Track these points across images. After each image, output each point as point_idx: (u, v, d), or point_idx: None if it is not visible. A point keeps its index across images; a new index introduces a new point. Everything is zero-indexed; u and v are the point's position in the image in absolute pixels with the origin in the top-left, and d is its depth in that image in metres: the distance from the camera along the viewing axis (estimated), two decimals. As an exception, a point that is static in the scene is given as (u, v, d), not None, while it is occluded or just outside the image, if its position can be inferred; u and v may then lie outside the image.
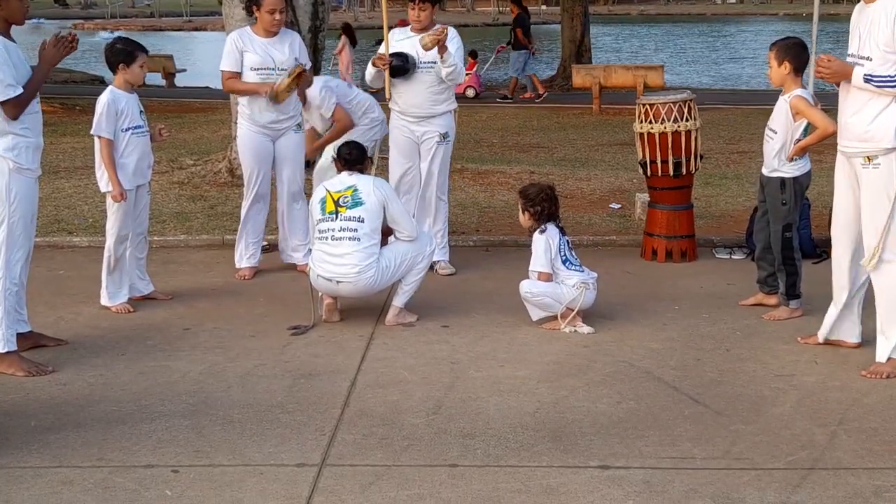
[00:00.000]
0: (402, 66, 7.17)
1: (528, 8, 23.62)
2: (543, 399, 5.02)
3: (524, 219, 6.35)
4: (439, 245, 7.38)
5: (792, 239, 6.37)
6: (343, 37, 20.49)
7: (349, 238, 6.05)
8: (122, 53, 6.41)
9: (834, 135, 5.62)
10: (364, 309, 6.46)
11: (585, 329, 6.06)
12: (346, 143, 6.54)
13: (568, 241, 6.29)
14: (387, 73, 7.19)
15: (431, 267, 7.21)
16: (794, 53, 6.22)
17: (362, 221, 6.06)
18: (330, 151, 7.51)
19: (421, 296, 6.43)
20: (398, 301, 6.27)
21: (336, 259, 6.05)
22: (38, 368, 5.36)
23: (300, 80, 7.12)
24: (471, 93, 21.22)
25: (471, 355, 5.68)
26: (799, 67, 6.25)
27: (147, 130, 6.53)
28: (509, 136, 15.29)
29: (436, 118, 7.35)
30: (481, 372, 5.42)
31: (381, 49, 7.26)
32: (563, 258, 6.16)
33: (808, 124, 6.21)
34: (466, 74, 21.80)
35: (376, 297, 6.45)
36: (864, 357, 5.51)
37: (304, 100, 7.58)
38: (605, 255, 7.94)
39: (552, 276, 6.14)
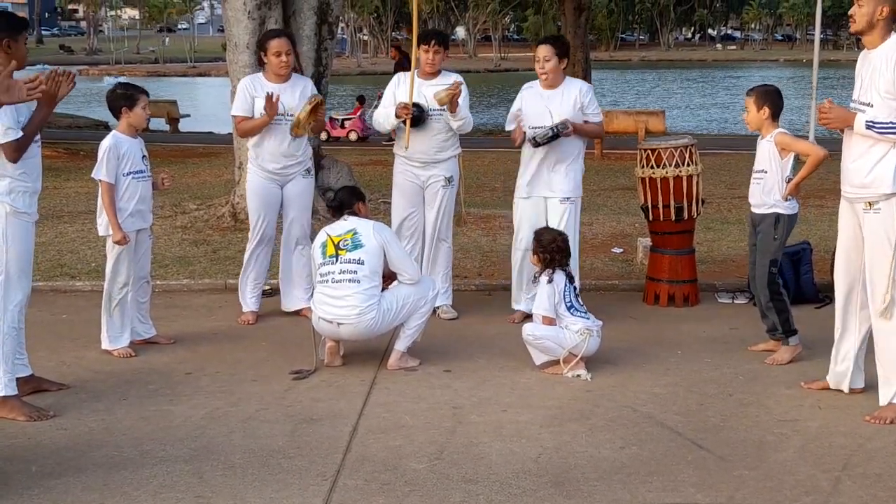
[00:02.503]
0: (421, 117, 7.20)
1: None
2: (546, 444, 5.00)
3: (533, 260, 6.38)
4: (442, 290, 7.38)
5: (777, 275, 6.42)
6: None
7: (349, 280, 6.06)
8: (124, 98, 6.46)
9: (826, 159, 5.68)
10: (366, 353, 6.45)
11: (587, 375, 6.05)
12: (336, 192, 6.57)
13: (575, 289, 6.30)
14: (408, 124, 7.22)
15: (434, 311, 7.20)
16: (773, 99, 6.41)
17: (362, 263, 6.07)
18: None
19: (423, 340, 6.42)
20: (400, 345, 6.26)
21: (337, 301, 6.05)
22: (40, 413, 5.34)
23: (317, 112, 7.13)
24: (353, 136, 21.82)
25: (473, 400, 5.67)
26: (776, 113, 6.43)
27: (149, 175, 6.55)
28: (511, 180, 15.11)
29: (441, 163, 7.39)
30: (483, 417, 5.40)
31: (395, 90, 7.27)
32: (569, 304, 6.17)
33: (795, 163, 6.31)
34: (349, 119, 22.96)
35: (378, 341, 6.44)
36: (867, 402, 5.49)
37: (318, 131, 7.55)
38: (608, 299, 7.94)
39: (555, 321, 6.14)
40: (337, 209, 6.35)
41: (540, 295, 6.21)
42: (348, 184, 11.40)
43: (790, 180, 6.29)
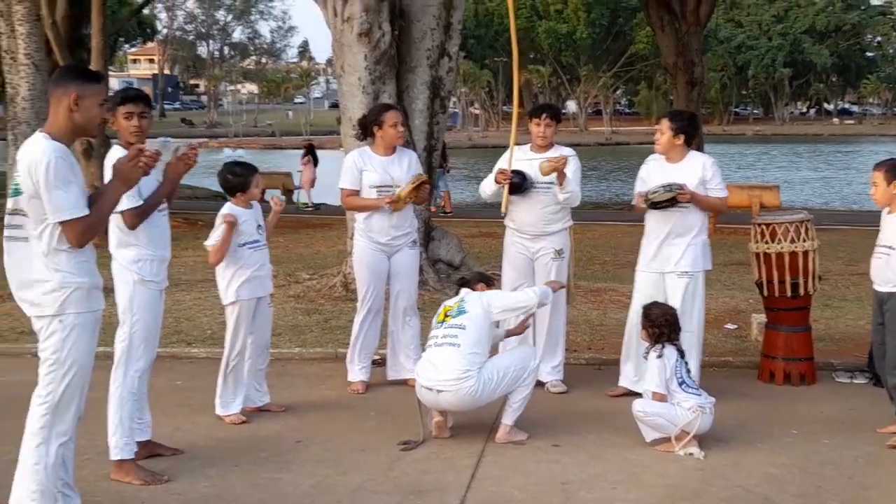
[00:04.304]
0: (521, 185, 7.23)
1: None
2: (657, 523, 4.89)
3: (643, 335, 6.30)
4: (555, 364, 7.35)
5: None
6: (307, 155, 25.18)
7: (449, 344, 6.07)
8: (239, 184, 6.59)
9: None
10: (474, 426, 6.42)
11: (699, 453, 5.91)
12: (473, 272, 6.69)
13: (686, 364, 6.20)
14: (506, 190, 7.26)
15: (542, 384, 7.16)
16: None
17: (464, 328, 6.09)
18: None
19: (531, 414, 6.36)
20: (507, 419, 6.22)
21: (437, 365, 6.06)
22: (154, 477, 5.43)
23: (420, 191, 7.24)
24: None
25: (582, 476, 5.59)
26: None
27: (264, 244, 6.69)
28: (622, 253, 15.22)
29: (551, 235, 7.38)
30: (593, 493, 5.31)
31: (504, 163, 7.35)
32: (680, 380, 6.06)
33: None
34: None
35: (486, 414, 6.40)
36: None
37: (422, 201, 7.66)
38: (721, 376, 7.78)
39: (666, 397, 6.03)
40: (460, 286, 6.50)
41: (651, 371, 6.12)
42: (458, 255, 11.54)
43: None
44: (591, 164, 47.64)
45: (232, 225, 6.42)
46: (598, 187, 37.52)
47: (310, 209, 24.29)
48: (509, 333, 6.84)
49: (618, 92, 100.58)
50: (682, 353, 6.19)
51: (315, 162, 25.62)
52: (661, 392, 6.03)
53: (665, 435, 6.00)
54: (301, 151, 26.96)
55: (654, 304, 6.47)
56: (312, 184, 25.42)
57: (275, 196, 6.89)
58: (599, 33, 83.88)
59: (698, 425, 5.95)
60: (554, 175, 7.12)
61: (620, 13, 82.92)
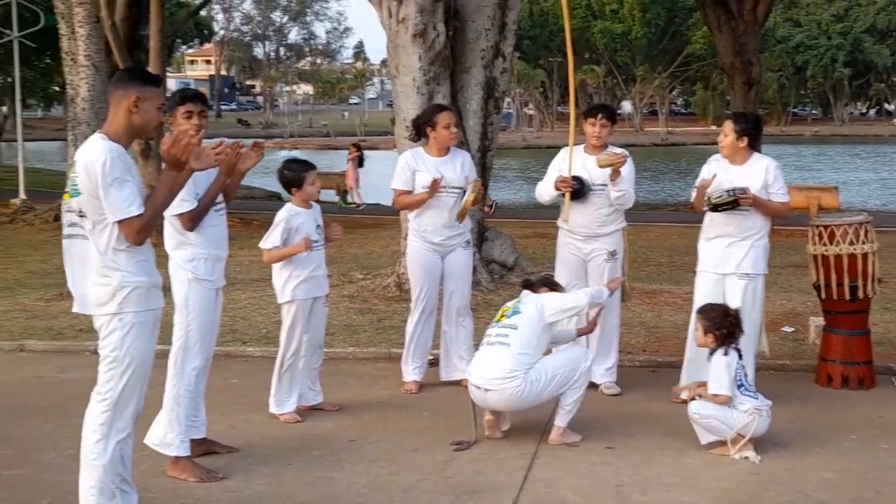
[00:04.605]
0: (581, 190, 7.19)
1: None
2: (712, 527, 4.85)
3: (706, 340, 6.16)
4: (607, 365, 7.30)
5: None
6: (354, 152, 25.44)
7: (500, 343, 6.07)
8: (293, 180, 6.65)
9: None
10: (526, 427, 6.40)
11: (755, 457, 5.85)
12: (539, 276, 6.67)
13: (744, 366, 6.12)
14: (567, 197, 7.23)
15: (596, 387, 7.12)
16: None
17: (515, 328, 6.08)
18: None
19: (585, 416, 6.34)
20: (560, 421, 6.19)
21: (486, 362, 6.06)
22: (210, 475, 5.48)
23: (479, 197, 7.27)
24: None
25: (636, 479, 5.55)
26: None
27: (322, 244, 6.72)
28: (677, 255, 15.12)
29: (604, 237, 7.34)
30: (647, 496, 5.28)
31: (559, 163, 7.31)
32: (738, 382, 5.98)
33: None
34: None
35: (539, 415, 6.39)
36: None
37: (477, 202, 7.64)
38: (778, 379, 7.69)
39: (732, 400, 5.94)
40: (523, 288, 6.50)
41: (719, 373, 5.97)
42: (511, 255, 11.53)
43: None
44: (646, 164, 47.37)
45: (309, 247, 6.48)
46: (652, 188, 37.29)
47: (361, 208, 24.40)
48: (580, 333, 6.81)
49: (674, 92, 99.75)
50: (740, 355, 6.11)
51: (360, 162, 25.68)
52: (729, 395, 5.92)
53: (720, 438, 5.94)
54: (347, 151, 27.16)
55: (710, 307, 6.38)
56: (357, 184, 25.54)
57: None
58: (655, 33, 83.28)
59: (754, 428, 5.89)
60: (608, 175, 7.07)
61: (676, 13, 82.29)
